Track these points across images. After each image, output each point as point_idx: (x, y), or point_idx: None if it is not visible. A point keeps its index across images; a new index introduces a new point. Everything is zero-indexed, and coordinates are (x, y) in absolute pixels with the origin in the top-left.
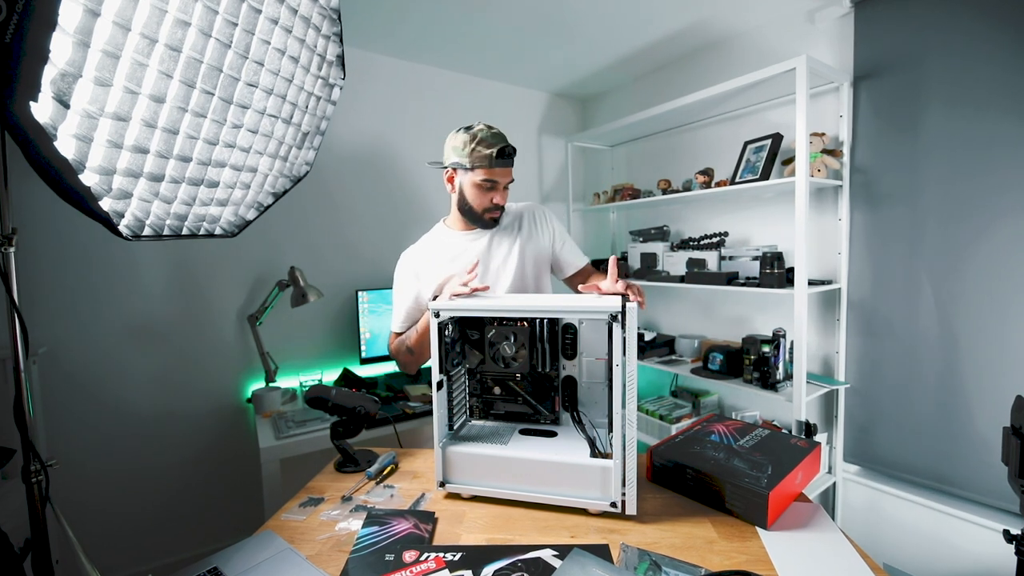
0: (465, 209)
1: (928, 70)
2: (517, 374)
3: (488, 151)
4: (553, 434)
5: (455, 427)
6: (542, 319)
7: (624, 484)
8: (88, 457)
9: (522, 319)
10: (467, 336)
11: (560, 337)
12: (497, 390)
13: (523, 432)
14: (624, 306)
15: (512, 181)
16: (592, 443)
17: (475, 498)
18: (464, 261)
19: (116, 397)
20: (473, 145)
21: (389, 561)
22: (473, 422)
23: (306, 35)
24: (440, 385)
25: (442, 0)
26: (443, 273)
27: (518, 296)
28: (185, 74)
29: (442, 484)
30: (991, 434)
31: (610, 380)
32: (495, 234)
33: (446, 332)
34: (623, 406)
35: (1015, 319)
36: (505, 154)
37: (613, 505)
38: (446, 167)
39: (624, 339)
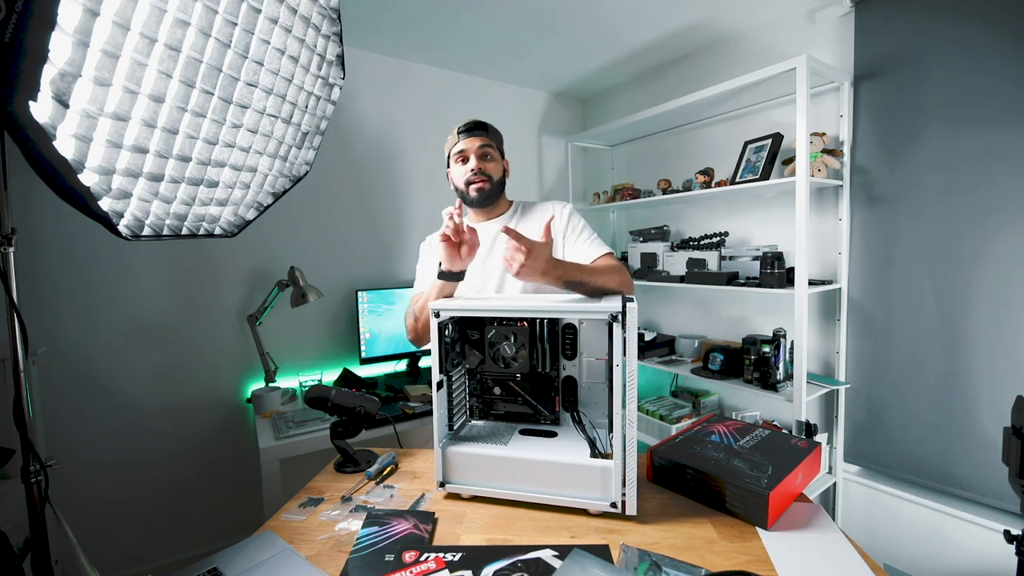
0: (458, 194)
1: (928, 69)
2: (517, 374)
3: (455, 132)
4: (553, 434)
5: (455, 427)
6: (542, 319)
7: (624, 484)
8: (87, 457)
9: (522, 319)
10: (467, 336)
11: (560, 337)
12: (497, 390)
13: (523, 432)
14: (624, 306)
15: (487, 146)
16: (592, 443)
17: (475, 498)
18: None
19: (116, 397)
20: (450, 136)
21: (389, 561)
22: (473, 422)
23: (306, 34)
24: (440, 385)
25: (442, 0)
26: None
27: (518, 297)
28: (185, 74)
29: (442, 484)
30: (991, 434)
31: (610, 380)
32: (507, 223)
33: (446, 332)
34: (623, 406)
35: (1016, 319)
36: (467, 127)
37: (613, 505)
38: (447, 169)
39: (624, 339)
